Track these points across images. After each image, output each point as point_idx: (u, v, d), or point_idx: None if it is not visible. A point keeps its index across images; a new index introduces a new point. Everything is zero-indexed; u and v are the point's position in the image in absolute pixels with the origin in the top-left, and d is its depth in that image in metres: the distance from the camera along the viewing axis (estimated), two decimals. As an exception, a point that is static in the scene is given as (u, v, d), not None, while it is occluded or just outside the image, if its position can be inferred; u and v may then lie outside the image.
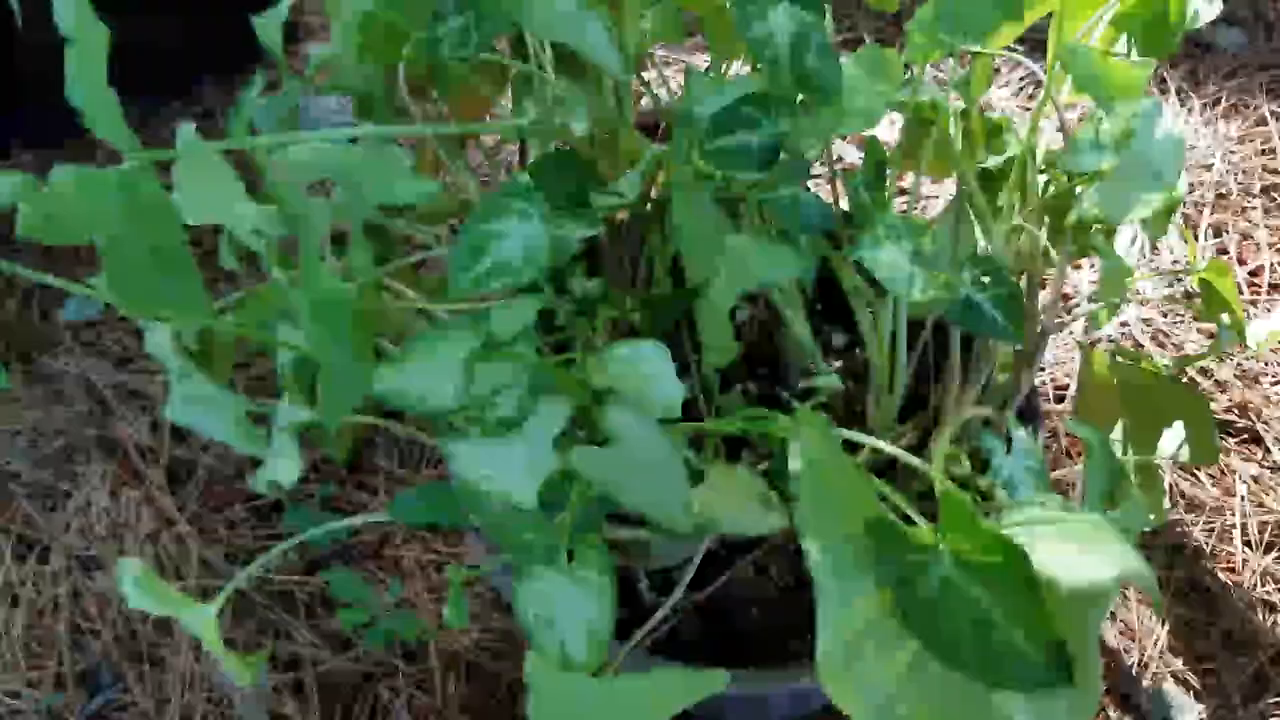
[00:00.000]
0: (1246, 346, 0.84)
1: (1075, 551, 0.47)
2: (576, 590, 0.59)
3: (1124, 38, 0.81)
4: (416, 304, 0.85)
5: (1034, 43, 0.92)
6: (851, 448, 0.64)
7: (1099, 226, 0.81)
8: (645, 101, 1.52)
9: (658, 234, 0.86)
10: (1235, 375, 1.32)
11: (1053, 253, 0.84)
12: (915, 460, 0.60)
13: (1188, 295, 1.37)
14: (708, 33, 0.92)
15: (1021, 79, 1.71)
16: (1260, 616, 1.12)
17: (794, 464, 0.49)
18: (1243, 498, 1.21)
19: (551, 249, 0.66)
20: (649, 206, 0.87)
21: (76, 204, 0.47)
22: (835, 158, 0.87)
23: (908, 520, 0.52)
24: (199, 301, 0.49)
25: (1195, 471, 1.24)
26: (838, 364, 1.00)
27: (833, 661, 0.46)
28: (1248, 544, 1.18)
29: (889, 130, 1.53)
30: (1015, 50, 0.86)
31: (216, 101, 1.75)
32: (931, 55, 0.73)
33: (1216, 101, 1.66)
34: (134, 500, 1.25)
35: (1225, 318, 0.85)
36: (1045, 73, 0.79)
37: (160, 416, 1.32)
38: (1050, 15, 0.82)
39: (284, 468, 0.71)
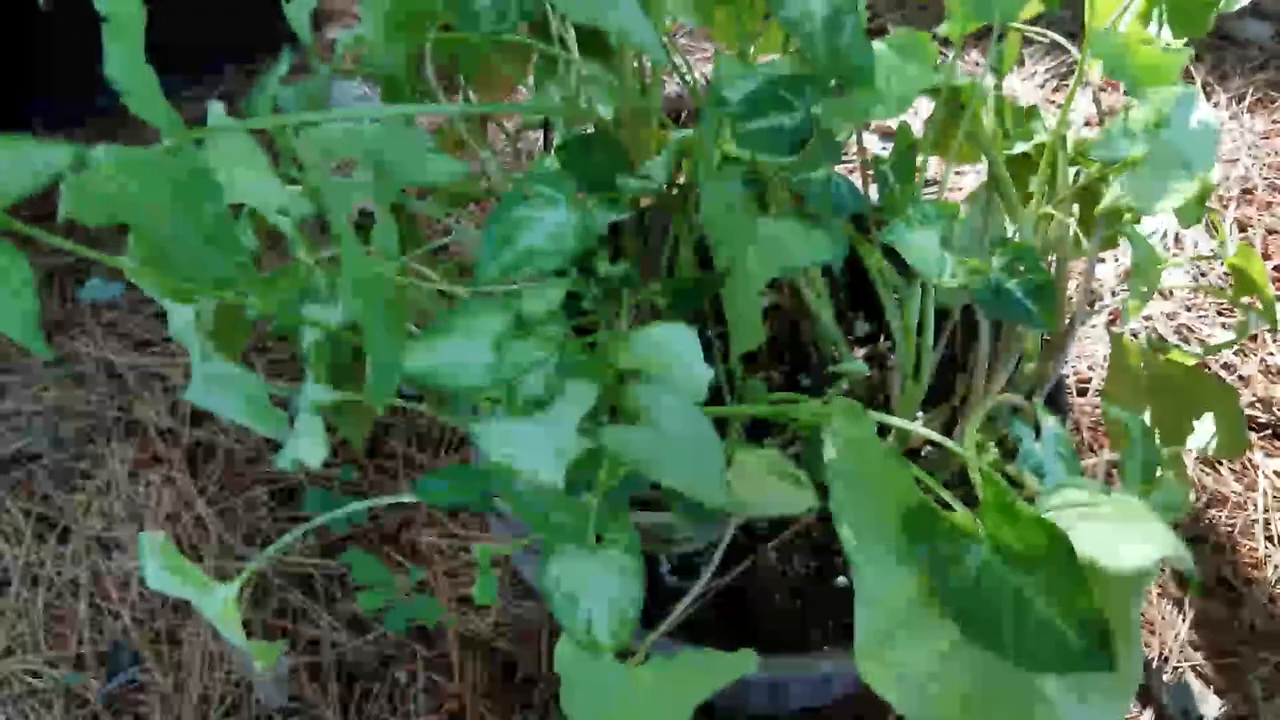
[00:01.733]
0: (1273, 329, 0.83)
1: (1114, 533, 0.47)
2: (603, 569, 0.59)
3: (1155, 15, 0.80)
4: (439, 286, 0.85)
5: (1063, 33, 0.91)
6: (878, 432, 0.63)
7: (1129, 215, 0.80)
8: (669, 87, 1.51)
9: (683, 218, 0.86)
10: (1260, 370, 1.31)
11: (1083, 241, 0.83)
12: (948, 442, 0.60)
13: (1215, 289, 1.36)
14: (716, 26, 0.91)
15: (1047, 70, 1.70)
16: (1283, 612, 1.11)
17: (829, 451, 0.48)
18: (1265, 493, 1.20)
19: (581, 231, 0.66)
20: (675, 191, 0.87)
21: (118, 184, 0.47)
22: (862, 147, 0.87)
23: (943, 505, 0.51)
24: (247, 272, 0.49)
25: (1218, 466, 1.23)
26: (861, 352, 0.99)
27: (870, 646, 0.46)
28: (1270, 539, 1.17)
29: (915, 119, 1.52)
30: (1050, 33, 0.85)
31: (236, 85, 1.75)
32: (969, 26, 0.72)
33: (1242, 96, 1.65)
34: (154, 482, 1.25)
35: (1252, 301, 0.85)
36: (1078, 58, 0.78)
37: (181, 399, 1.32)
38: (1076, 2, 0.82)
39: (309, 447, 0.71)
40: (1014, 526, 0.46)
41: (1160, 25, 0.78)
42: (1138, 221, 0.83)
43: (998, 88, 0.83)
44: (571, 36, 0.87)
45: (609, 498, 0.61)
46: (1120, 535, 0.46)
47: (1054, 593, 0.46)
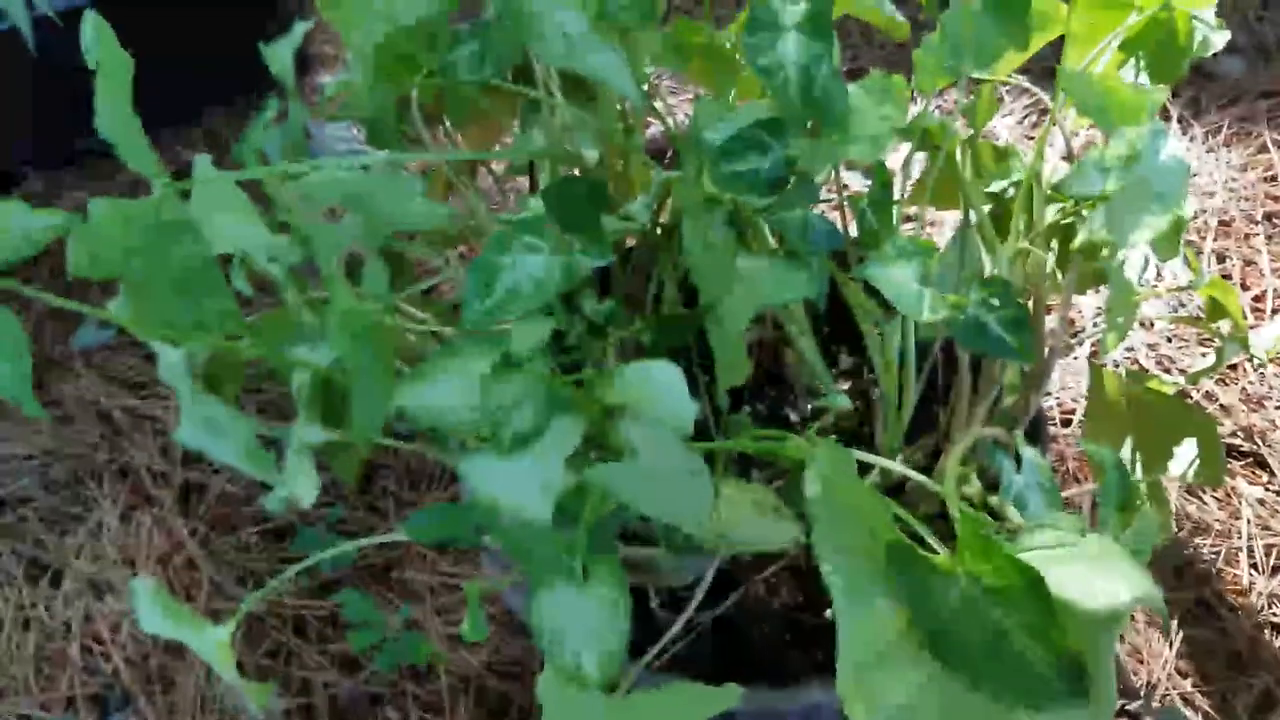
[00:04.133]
0: (1252, 357, 0.85)
1: (1089, 574, 0.48)
2: (591, 605, 0.59)
3: (1131, 63, 0.82)
4: (428, 327, 0.86)
5: (1039, 71, 0.93)
6: (861, 468, 0.64)
7: (1105, 250, 0.82)
8: (653, 128, 1.54)
9: (668, 256, 0.87)
10: (1240, 400, 1.32)
11: (1059, 276, 0.85)
12: (928, 481, 0.61)
13: (1194, 319, 1.38)
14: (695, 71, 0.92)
15: (1025, 107, 1.72)
16: (1267, 638, 1.12)
17: (810, 488, 0.49)
18: (1249, 521, 1.22)
19: (564, 275, 0.68)
20: (659, 230, 0.88)
21: (114, 236, 0.48)
22: (842, 185, 0.88)
23: (922, 543, 0.52)
24: (232, 318, 0.50)
25: (1201, 495, 1.24)
26: (845, 385, 1.01)
27: (851, 680, 0.47)
28: (1254, 566, 1.18)
29: (893, 159, 1.54)
30: (1020, 78, 0.87)
31: (224, 129, 1.77)
32: (939, 81, 0.74)
33: (1218, 129, 1.67)
34: (145, 524, 1.26)
35: (1227, 330, 0.86)
36: (1051, 99, 0.80)
37: (172, 440, 1.33)
38: (1055, 42, 0.84)
39: (301, 487, 0.72)
40: (990, 566, 0.47)
41: (1136, 73, 0.80)
42: (1113, 256, 0.85)
43: (975, 129, 0.84)
44: (556, 81, 0.89)
45: (596, 532, 0.62)
46: (1094, 575, 0.48)
47: (1030, 629, 0.47)
